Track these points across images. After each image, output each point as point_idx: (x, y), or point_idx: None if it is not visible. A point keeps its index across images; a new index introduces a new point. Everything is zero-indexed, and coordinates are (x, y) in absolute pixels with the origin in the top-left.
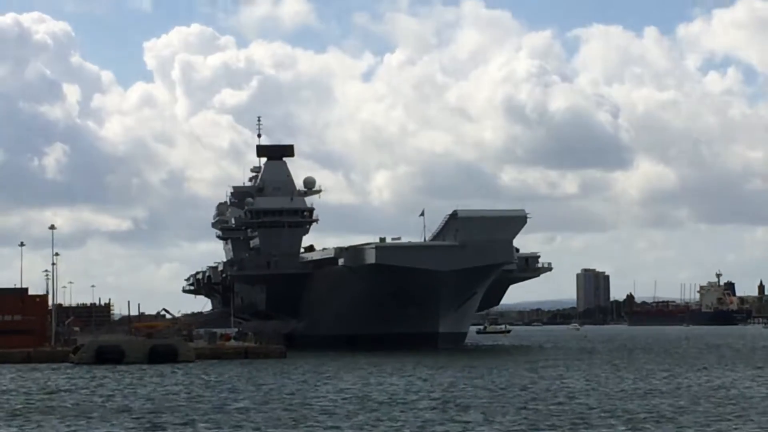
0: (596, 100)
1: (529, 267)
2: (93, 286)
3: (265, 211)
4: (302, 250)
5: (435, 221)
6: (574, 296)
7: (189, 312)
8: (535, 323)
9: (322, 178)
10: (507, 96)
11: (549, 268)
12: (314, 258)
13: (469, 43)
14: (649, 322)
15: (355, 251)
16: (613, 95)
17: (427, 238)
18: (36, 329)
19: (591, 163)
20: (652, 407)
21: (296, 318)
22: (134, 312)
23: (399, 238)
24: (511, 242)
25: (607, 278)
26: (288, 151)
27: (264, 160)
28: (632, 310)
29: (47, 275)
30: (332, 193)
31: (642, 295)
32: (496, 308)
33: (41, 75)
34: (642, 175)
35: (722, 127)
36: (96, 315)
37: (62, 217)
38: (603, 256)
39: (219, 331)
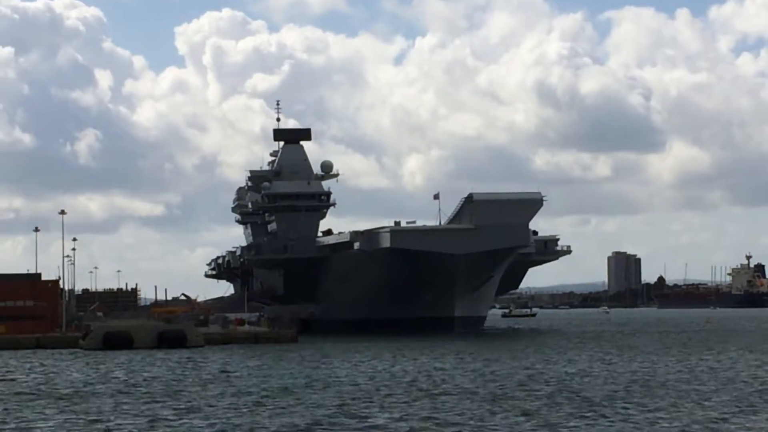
0: (628, 82)
1: (548, 250)
2: (119, 271)
3: (282, 195)
4: (320, 234)
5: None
6: (606, 279)
7: (213, 297)
8: (562, 306)
9: (354, 162)
10: (538, 79)
11: (568, 251)
12: (330, 242)
13: (500, 27)
14: (679, 304)
15: (371, 235)
16: (645, 78)
17: (443, 222)
18: (47, 315)
19: (623, 146)
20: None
21: (314, 302)
22: (161, 297)
23: (414, 222)
24: (527, 225)
25: (638, 261)
26: (305, 134)
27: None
28: (662, 293)
29: (70, 260)
30: (365, 177)
31: (674, 278)
32: (527, 291)
33: (73, 61)
34: (675, 157)
35: (755, 109)
36: (122, 300)
37: (95, 203)
38: (636, 239)
39: (233, 315)
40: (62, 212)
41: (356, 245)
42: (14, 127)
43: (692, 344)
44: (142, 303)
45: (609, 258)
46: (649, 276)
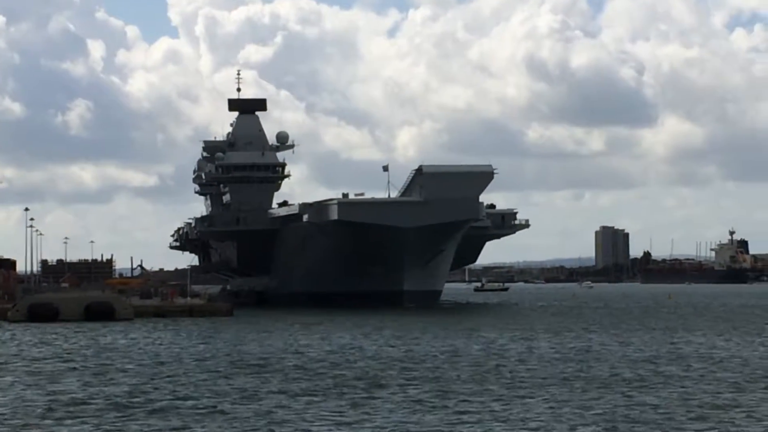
0: (621, 56)
1: (506, 224)
2: (92, 241)
3: (236, 166)
4: (275, 206)
5: None
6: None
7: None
8: (537, 281)
9: (347, 135)
10: (530, 52)
11: (526, 225)
12: (281, 214)
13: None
14: (663, 279)
15: (319, 207)
16: (637, 52)
17: (393, 195)
18: None
19: (616, 121)
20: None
21: (268, 275)
22: (137, 268)
23: (362, 194)
24: (477, 198)
25: (626, 236)
26: (260, 105)
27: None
28: (646, 268)
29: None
30: (358, 149)
31: (662, 253)
32: (517, 265)
33: (65, 30)
34: (668, 132)
35: (748, 85)
36: (96, 272)
37: (88, 173)
38: (629, 214)
39: (200, 288)
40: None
41: (305, 217)
42: (4, 97)
43: (605, 322)
44: (117, 275)
45: (596, 233)
46: (639, 251)
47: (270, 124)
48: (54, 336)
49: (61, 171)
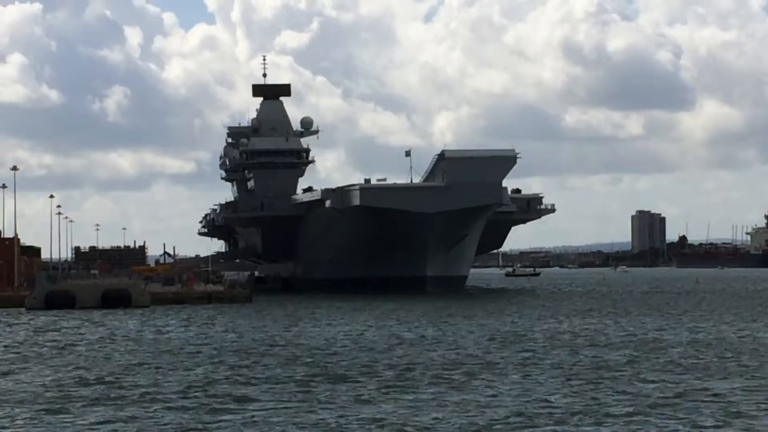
0: (657, 40)
1: (531, 209)
2: (124, 228)
3: (260, 151)
4: (300, 191)
5: None
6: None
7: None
8: (570, 266)
9: (384, 120)
10: (566, 36)
11: (552, 210)
12: (305, 200)
13: None
14: (697, 264)
15: (342, 192)
16: (675, 35)
17: (416, 180)
18: (3, 274)
19: (654, 104)
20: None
21: (293, 261)
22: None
23: (385, 179)
24: (500, 183)
25: (663, 220)
26: (284, 90)
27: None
28: (681, 252)
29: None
30: (395, 135)
31: (700, 237)
32: (553, 250)
33: (102, 17)
34: (706, 116)
35: None
36: (129, 258)
37: (126, 159)
38: (667, 198)
39: (230, 274)
40: (14, 168)
41: (328, 203)
42: (42, 84)
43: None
44: (151, 261)
45: (633, 217)
46: (676, 235)
47: (305, 109)
48: (56, 322)
49: (99, 158)
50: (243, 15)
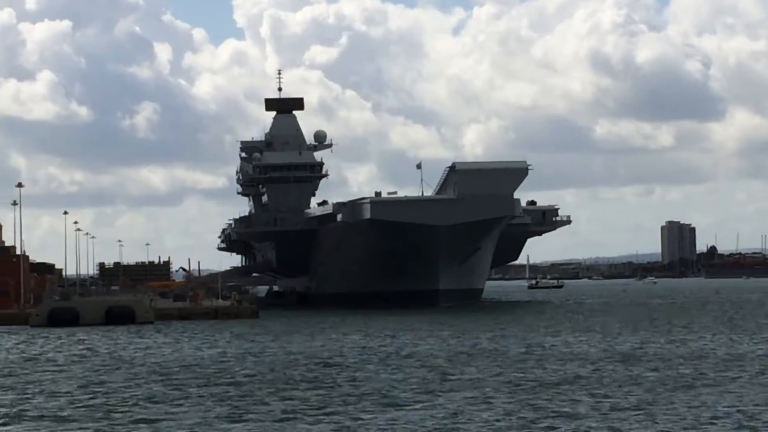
0: (686, 50)
1: (546, 220)
2: (148, 244)
3: (273, 166)
4: (315, 205)
5: None
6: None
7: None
8: (595, 277)
9: (414, 133)
10: (594, 48)
11: (567, 221)
12: (317, 214)
13: None
14: (726, 274)
15: (353, 206)
16: (704, 46)
17: (428, 193)
18: (10, 290)
19: (684, 115)
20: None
21: (307, 275)
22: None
23: (395, 192)
24: (512, 195)
25: (692, 231)
26: (297, 104)
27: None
28: (710, 263)
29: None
30: (425, 148)
31: (730, 248)
32: (584, 262)
33: (132, 34)
34: (737, 126)
35: None
36: (153, 274)
37: (158, 175)
38: (699, 208)
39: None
40: (19, 185)
41: (339, 217)
42: (72, 101)
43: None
44: (174, 276)
45: (663, 228)
46: (706, 246)
47: (336, 124)
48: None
49: (130, 174)
50: (272, 30)
